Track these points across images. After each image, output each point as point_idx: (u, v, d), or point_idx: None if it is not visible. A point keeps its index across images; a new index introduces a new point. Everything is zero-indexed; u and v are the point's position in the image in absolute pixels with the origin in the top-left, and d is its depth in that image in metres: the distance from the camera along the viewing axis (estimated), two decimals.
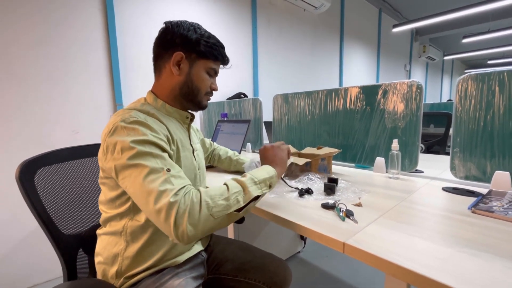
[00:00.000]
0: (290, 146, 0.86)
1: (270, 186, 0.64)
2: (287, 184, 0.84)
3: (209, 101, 0.78)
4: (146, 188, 0.52)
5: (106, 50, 1.74)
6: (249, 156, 1.16)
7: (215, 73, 0.75)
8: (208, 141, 1.14)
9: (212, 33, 0.73)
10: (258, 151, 1.70)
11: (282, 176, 0.83)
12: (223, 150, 1.15)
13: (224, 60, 0.75)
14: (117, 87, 1.77)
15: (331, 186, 0.78)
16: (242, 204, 0.57)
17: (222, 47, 0.73)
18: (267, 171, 0.66)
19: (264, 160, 0.74)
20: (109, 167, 0.58)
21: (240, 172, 1.11)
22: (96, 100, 1.71)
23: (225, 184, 0.60)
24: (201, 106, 0.75)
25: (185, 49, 0.68)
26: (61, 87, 1.57)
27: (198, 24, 0.71)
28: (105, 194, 0.66)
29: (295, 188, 0.83)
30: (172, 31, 0.68)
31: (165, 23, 0.71)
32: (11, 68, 1.42)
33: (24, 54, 1.45)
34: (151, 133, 0.59)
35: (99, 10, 1.70)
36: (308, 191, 0.79)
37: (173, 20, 0.71)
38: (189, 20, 0.72)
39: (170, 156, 0.61)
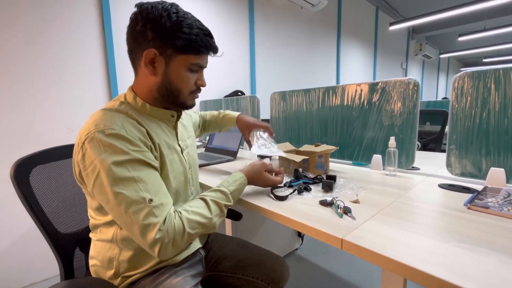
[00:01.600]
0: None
1: (233, 201, 0.69)
2: (274, 197, 0.77)
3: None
4: (129, 219, 0.52)
5: (102, 47, 1.72)
6: (245, 155, 1.15)
7: (201, 67, 0.63)
8: (197, 116, 1.05)
9: None
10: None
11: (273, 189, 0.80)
12: (208, 115, 1.09)
13: (211, 49, 0.62)
14: (113, 85, 1.76)
15: (329, 183, 0.79)
16: (216, 225, 0.64)
17: (207, 34, 0.60)
18: (235, 183, 0.70)
19: (249, 178, 0.75)
20: (88, 186, 0.55)
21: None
22: (92, 97, 1.69)
23: (207, 206, 0.62)
24: (185, 107, 0.67)
25: (159, 44, 0.56)
26: (55, 84, 1.55)
27: (176, 6, 0.58)
28: (90, 202, 0.63)
29: (291, 188, 0.83)
30: (142, 19, 0.56)
31: (136, 5, 0.58)
32: (4, 64, 1.39)
33: (18, 50, 1.43)
34: (131, 147, 0.53)
35: (95, 6, 1.67)
36: (307, 189, 0.80)
37: (145, 2, 0.58)
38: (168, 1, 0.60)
39: (156, 169, 0.59)
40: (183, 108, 0.69)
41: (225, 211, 0.66)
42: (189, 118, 0.93)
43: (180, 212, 0.58)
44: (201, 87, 0.66)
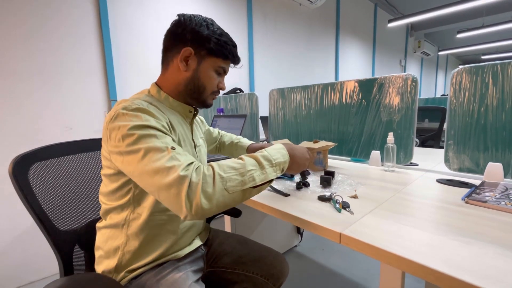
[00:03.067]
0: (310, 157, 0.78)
1: (282, 170, 0.62)
2: (271, 189, 0.77)
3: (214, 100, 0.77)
4: (152, 167, 0.50)
5: (100, 45, 1.71)
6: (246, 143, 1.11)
7: (224, 72, 0.72)
8: (216, 130, 1.09)
9: None
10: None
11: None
12: (227, 137, 1.11)
13: (235, 60, 0.72)
14: (111, 83, 1.75)
15: (327, 179, 0.79)
16: (257, 183, 0.54)
17: (234, 46, 0.71)
18: (283, 154, 0.63)
19: (288, 149, 0.66)
20: (111, 153, 0.56)
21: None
22: (90, 96, 1.69)
23: (240, 158, 0.57)
24: (205, 105, 0.73)
25: (195, 45, 0.65)
26: (53, 82, 1.55)
27: (212, 20, 0.69)
28: (106, 185, 0.65)
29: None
30: (183, 24, 0.65)
31: (178, 15, 0.68)
32: (2, 63, 1.38)
33: (15, 48, 1.42)
34: (154, 119, 0.58)
35: (92, 4, 1.66)
36: (306, 184, 0.80)
37: (186, 13, 0.69)
38: (203, 15, 0.70)
39: (173, 140, 0.59)
40: (203, 105, 0.73)
41: (265, 164, 0.57)
42: (202, 125, 0.95)
43: (210, 163, 0.56)
44: (221, 90, 0.74)
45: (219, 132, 1.11)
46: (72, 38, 1.60)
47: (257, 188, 0.55)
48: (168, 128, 0.61)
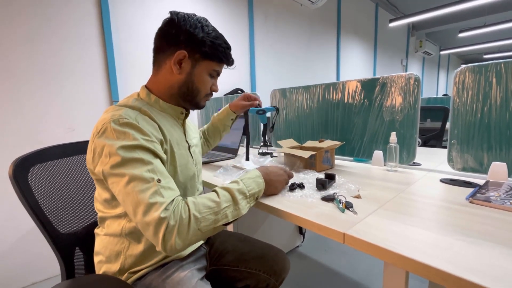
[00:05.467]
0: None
1: (256, 199, 0.65)
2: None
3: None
4: (136, 198, 0.50)
5: (101, 46, 1.72)
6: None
7: (218, 74, 0.73)
8: (200, 133, 1.09)
9: None
10: (257, 147, 1.69)
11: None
12: (205, 126, 1.11)
13: (229, 62, 0.72)
14: (113, 84, 1.75)
15: (323, 182, 0.77)
16: (230, 219, 0.56)
17: (229, 48, 0.70)
18: (258, 183, 0.65)
19: (264, 174, 0.69)
20: (98, 171, 0.56)
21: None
22: (92, 97, 1.69)
23: (215, 192, 0.58)
24: (198, 107, 0.73)
25: (189, 48, 0.64)
26: (55, 83, 1.55)
27: (206, 20, 0.67)
28: (100, 193, 0.64)
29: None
30: (177, 25, 0.63)
31: (170, 13, 0.65)
32: (4, 63, 1.39)
33: (17, 49, 1.43)
34: (142, 137, 0.56)
35: (93, 5, 1.67)
36: (300, 186, 0.79)
37: (180, 12, 0.66)
38: (198, 15, 0.68)
39: (162, 161, 0.59)
40: (196, 108, 0.74)
41: (239, 199, 0.59)
42: (195, 126, 0.94)
43: (187, 199, 0.57)
44: (214, 92, 0.74)
45: (200, 130, 1.11)
46: (73, 39, 1.60)
47: (229, 224, 0.57)
48: (159, 142, 0.60)
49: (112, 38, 1.74)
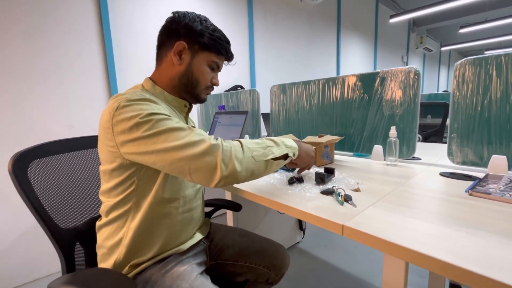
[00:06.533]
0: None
1: (294, 155, 0.70)
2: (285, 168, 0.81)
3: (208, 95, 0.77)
4: (180, 142, 0.53)
5: (100, 42, 1.71)
6: None
7: (218, 67, 0.73)
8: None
9: None
10: None
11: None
12: None
13: (228, 56, 0.74)
14: (113, 80, 1.75)
15: (322, 176, 0.77)
16: (276, 155, 0.63)
17: (228, 42, 0.72)
18: (292, 143, 0.71)
19: (297, 142, 0.75)
20: (122, 144, 0.56)
21: None
22: (92, 93, 1.69)
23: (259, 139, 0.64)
24: (199, 99, 0.74)
25: (189, 40, 0.67)
26: (54, 80, 1.55)
27: (206, 17, 0.71)
28: (107, 181, 0.64)
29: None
30: (177, 20, 0.67)
31: (172, 12, 0.70)
32: (2, 60, 1.39)
33: (15, 46, 1.42)
34: (161, 107, 0.60)
35: (92, 1, 1.66)
36: (299, 180, 0.79)
37: (180, 10, 0.71)
38: (200, 13, 0.72)
39: None
40: (197, 100, 0.75)
41: (279, 143, 0.67)
42: (195, 124, 0.95)
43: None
44: (214, 86, 0.75)
45: None
46: (72, 35, 1.60)
47: (276, 162, 0.64)
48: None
49: (111, 35, 1.73)
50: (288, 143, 0.69)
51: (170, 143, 0.53)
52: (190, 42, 0.67)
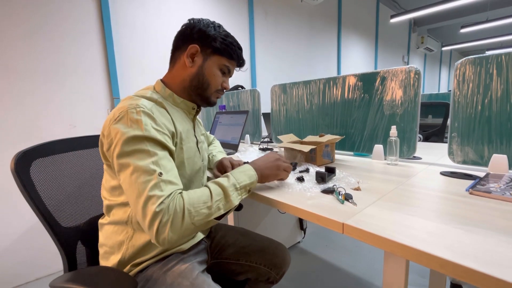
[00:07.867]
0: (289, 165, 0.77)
1: (249, 191, 0.66)
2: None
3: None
4: (137, 188, 0.53)
5: (102, 43, 1.72)
6: (247, 148, 1.14)
7: (229, 72, 0.75)
8: (211, 136, 1.10)
9: None
10: (258, 143, 1.69)
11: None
12: (210, 147, 1.05)
13: (240, 61, 0.75)
14: (114, 80, 1.76)
15: (322, 175, 0.77)
16: (222, 212, 0.59)
17: (240, 48, 0.74)
18: (250, 176, 0.66)
19: (256, 167, 0.69)
20: (109, 155, 0.59)
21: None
22: (93, 93, 1.70)
23: (207, 187, 0.60)
24: (209, 102, 0.75)
25: (202, 43, 0.69)
26: (56, 80, 1.56)
27: (220, 24, 0.73)
28: (108, 180, 0.66)
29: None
30: (192, 25, 0.70)
31: (188, 19, 0.73)
32: (5, 60, 1.40)
33: (17, 46, 1.43)
34: (155, 126, 0.59)
35: (94, 2, 1.67)
36: (300, 179, 0.79)
37: (195, 17, 0.74)
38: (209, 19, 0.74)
39: (171, 153, 0.61)
40: (207, 103, 0.75)
41: (230, 192, 0.60)
42: (203, 126, 0.93)
43: (182, 192, 0.58)
44: (225, 90, 0.76)
45: (213, 139, 1.10)
46: (74, 36, 1.61)
47: (222, 217, 0.60)
48: (170, 134, 0.63)
49: (112, 35, 1.74)
50: (241, 181, 0.63)
51: (130, 182, 0.54)
52: (203, 46, 0.69)
